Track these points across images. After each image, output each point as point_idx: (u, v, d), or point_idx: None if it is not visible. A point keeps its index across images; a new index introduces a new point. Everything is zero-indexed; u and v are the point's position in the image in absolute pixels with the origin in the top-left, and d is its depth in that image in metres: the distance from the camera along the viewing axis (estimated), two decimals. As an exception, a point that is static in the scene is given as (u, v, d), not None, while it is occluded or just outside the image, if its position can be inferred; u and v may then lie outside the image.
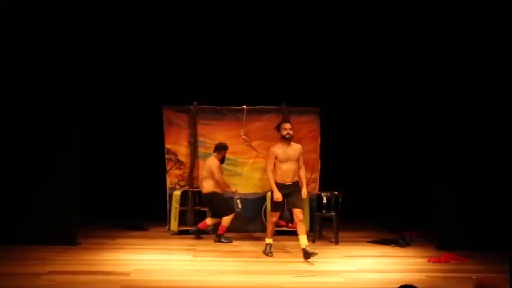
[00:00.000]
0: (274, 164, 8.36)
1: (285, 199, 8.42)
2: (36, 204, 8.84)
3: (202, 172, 9.92)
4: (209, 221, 9.83)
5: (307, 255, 8.07)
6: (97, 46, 10.74)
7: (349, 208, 9.88)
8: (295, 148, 8.50)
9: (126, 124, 11.41)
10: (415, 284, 4.31)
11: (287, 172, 8.36)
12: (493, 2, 8.45)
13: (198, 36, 11.08)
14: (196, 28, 11.01)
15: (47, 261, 7.87)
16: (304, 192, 8.40)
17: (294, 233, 10.08)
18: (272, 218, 8.59)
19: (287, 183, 8.35)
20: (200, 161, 10.32)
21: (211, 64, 11.15)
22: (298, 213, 8.25)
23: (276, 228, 10.11)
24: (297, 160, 8.45)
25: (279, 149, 8.41)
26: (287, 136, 8.43)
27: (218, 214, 9.73)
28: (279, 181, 8.36)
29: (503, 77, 8.36)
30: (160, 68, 11.23)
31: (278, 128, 8.62)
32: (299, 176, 8.50)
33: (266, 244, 8.61)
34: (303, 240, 8.21)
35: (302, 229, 8.24)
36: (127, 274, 7.27)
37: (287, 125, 8.57)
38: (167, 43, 11.13)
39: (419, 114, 10.22)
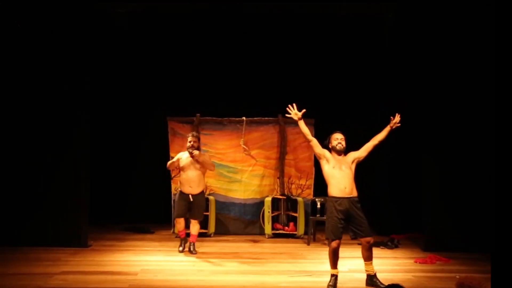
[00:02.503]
0: (328, 175, 6.68)
1: (345, 224, 6.63)
2: (50, 208, 8.85)
3: (200, 171, 8.72)
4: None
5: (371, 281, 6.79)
6: (110, 62, 10.86)
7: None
8: (348, 156, 6.80)
9: (135, 134, 11.48)
10: (402, 284, 4.35)
11: (342, 178, 6.62)
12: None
13: (200, 53, 11.15)
14: (199, 47, 11.09)
15: (60, 262, 7.88)
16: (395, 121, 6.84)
17: (290, 236, 10.15)
18: (331, 244, 6.61)
19: (346, 196, 6.59)
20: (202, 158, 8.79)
21: (213, 79, 11.24)
22: (368, 239, 6.71)
23: (273, 231, 10.19)
24: (351, 168, 6.73)
25: (330, 155, 6.76)
26: (337, 147, 6.73)
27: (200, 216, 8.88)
28: (335, 194, 6.60)
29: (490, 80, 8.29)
30: (167, 83, 11.33)
31: (328, 142, 6.85)
32: (353, 187, 6.71)
33: (331, 275, 6.68)
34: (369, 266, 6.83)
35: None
36: (135, 274, 7.29)
37: (339, 135, 6.81)
38: (173, 60, 11.22)
39: (408, 120, 10.24)
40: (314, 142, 6.82)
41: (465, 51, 8.90)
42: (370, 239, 6.71)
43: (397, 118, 6.89)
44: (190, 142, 8.65)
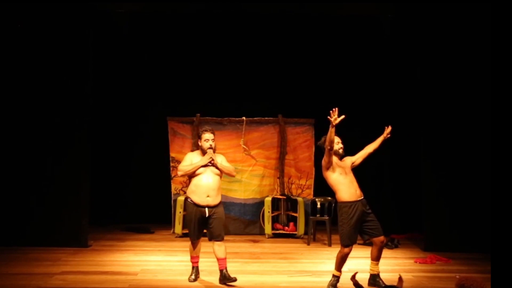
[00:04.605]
0: (338, 182, 6.57)
1: (359, 226, 6.58)
2: (50, 208, 8.87)
3: (218, 176, 6.93)
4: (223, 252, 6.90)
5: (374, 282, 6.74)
6: (110, 62, 10.89)
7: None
8: (345, 160, 6.76)
9: (134, 133, 11.49)
10: (402, 284, 4.35)
11: (350, 183, 6.59)
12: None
13: (200, 53, 11.17)
14: (199, 46, 11.11)
15: (60, 262, 7.90)
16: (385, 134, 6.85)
17: (290, 236, 10.15)
18: (344, 250, 6.58)
19: (358, 199, 6.57)
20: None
21: (213, 79, 11.25)
22: (382, 238, 6.71)
23: (273, 231, 10.20)
24: (351, 171, 6.71)
25: (335, 159, 6.65)
26: (341, 151, 6.68)
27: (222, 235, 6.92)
28: (348, 198, 6.53)
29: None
30: (167, 83, 11.34)
31: (324, 143, 6.58)
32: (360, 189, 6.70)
33: (334, 276, 6.69)
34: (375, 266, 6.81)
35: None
36: (135, 274, 7.30)
37: (338, 138, 6.69)
38: (173, 60, 11.23)
39: (407, 122, 10.27)
40: (332, 152, 6.56)
41: (465, 51, 8.91)
42: (383, 238, 6.71)
43: (388, 129, 6.91)
44: (207, 140, 6.93)
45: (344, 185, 6.58)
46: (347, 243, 6.54)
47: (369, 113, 11.06)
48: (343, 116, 6.31)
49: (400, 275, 5.47)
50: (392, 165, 10.84)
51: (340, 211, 6.63)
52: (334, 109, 6.32)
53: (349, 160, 6.82)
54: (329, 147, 6.48)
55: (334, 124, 6.28)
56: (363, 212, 6.57)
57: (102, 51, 10.21)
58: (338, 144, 6.68)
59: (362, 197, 6.66)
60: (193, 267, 7.02)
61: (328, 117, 6.31)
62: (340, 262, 6.63)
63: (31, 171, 8.90)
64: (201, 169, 6.80)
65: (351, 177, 6.67)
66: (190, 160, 6.94)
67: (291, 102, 11.10)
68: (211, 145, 6.86)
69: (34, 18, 8.87)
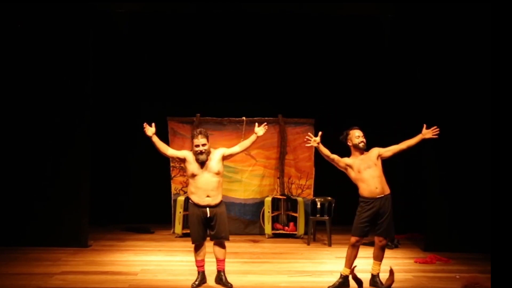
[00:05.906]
0: (356, 179, 6.57)
1: (372, 223, 6.55)
2: (50, 208, 8.87)
3: (218, 176, 6.67)
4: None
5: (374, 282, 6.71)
6: (110, 62, 10.89)
7: (341, 213, 9.90)
8: (371, 152, 6.65)
9: (134, 133, 11.44)
10: (402, 284, 4.35)
11: (371, 179, 6.47)
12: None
13: (201, 53, 11.17)
14: (199, 46, 11.11)
15: (60, 262, 7.90)
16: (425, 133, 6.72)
17: (290, 236, 10.15)
18: (351, 238, 6.60)
19: (378, 196, 6.47)
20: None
21: (213, 79, 11.26)
22: (383, 240, 6.73)
23: (273, 231, 10.20)
24: (377, 163, 6.56)
25: (351, 160, 6.59)
26: (361, 145, 6.56)
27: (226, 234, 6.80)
28: (366, 195, 6.47)
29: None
30: (167, 83, 11.33)
31: (346, 138, 6.67)
32: (384, 185, 6.59)
33: (341, 275, 6.66)
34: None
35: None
36: (135, 274, 7.30)
37: (359, 132, 6.62)
38: (173, 60, 11.23)
39: (407, 121, 10.26)
40: (337, 159, 6.62)
41: (465, 52, 8.91)
42: (382, 238, 6.69)
43: (435, 131, 6.70)
44: (197, 146, 6.60)
45: (363, 182, 6.51)
46: (353, 234, 6.58)
47: (368, 113, 11.07)
48: (320, 133, 6.66)
49: (391, 267, 5.50)
50: (392, 164, 10.80)
51: (359, 204, 6.62)
52: (306, 138, 6.69)
53: (376, 152, 6.65)
54: (329, 160, 6.68)
55: (316, 145, 6.62)
56: (378, 211, 6.51)
57: (102, 51, 10.21)
58: (358, 138, 6.58)
59: (384, 195, 6.53)
60: (198, 272, 6.77)
61: (307, 145, 6.72)
62: (349, 254, 6.60)
63: (31, 171, 8.90)
64: (199, 170, 6.56)
65: (372, 172, 6.52)
66: (181, 153, 6.93)
67: (291, 102, 11.10)
68: (201, 150, 6.55)
69: (34, 18, 8.88)
